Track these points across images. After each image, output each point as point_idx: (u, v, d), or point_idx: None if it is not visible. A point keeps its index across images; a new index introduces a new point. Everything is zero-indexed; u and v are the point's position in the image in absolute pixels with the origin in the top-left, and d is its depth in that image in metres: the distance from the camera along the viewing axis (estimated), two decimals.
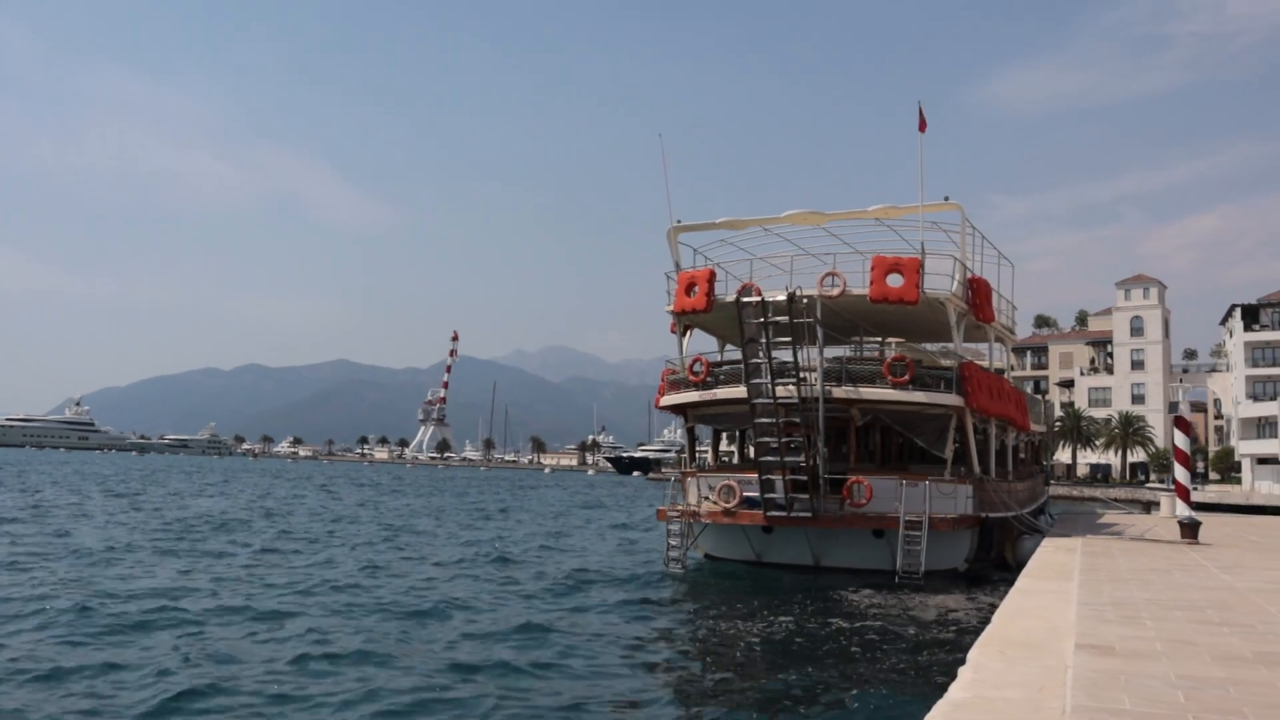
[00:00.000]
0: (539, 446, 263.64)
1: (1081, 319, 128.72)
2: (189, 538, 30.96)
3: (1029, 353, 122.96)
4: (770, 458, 23.36)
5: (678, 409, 27.49)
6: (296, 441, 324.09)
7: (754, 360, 22.84)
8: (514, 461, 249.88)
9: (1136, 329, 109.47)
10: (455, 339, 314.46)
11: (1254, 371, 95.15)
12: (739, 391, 23.97)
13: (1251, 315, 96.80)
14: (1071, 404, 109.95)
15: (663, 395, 27.72)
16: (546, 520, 46.66)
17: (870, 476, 23.99)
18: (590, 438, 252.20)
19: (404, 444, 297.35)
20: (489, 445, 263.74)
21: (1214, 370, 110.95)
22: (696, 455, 29.24)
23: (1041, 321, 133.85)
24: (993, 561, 25.59)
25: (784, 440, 23.13)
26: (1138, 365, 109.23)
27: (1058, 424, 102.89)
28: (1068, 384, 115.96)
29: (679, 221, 27.65)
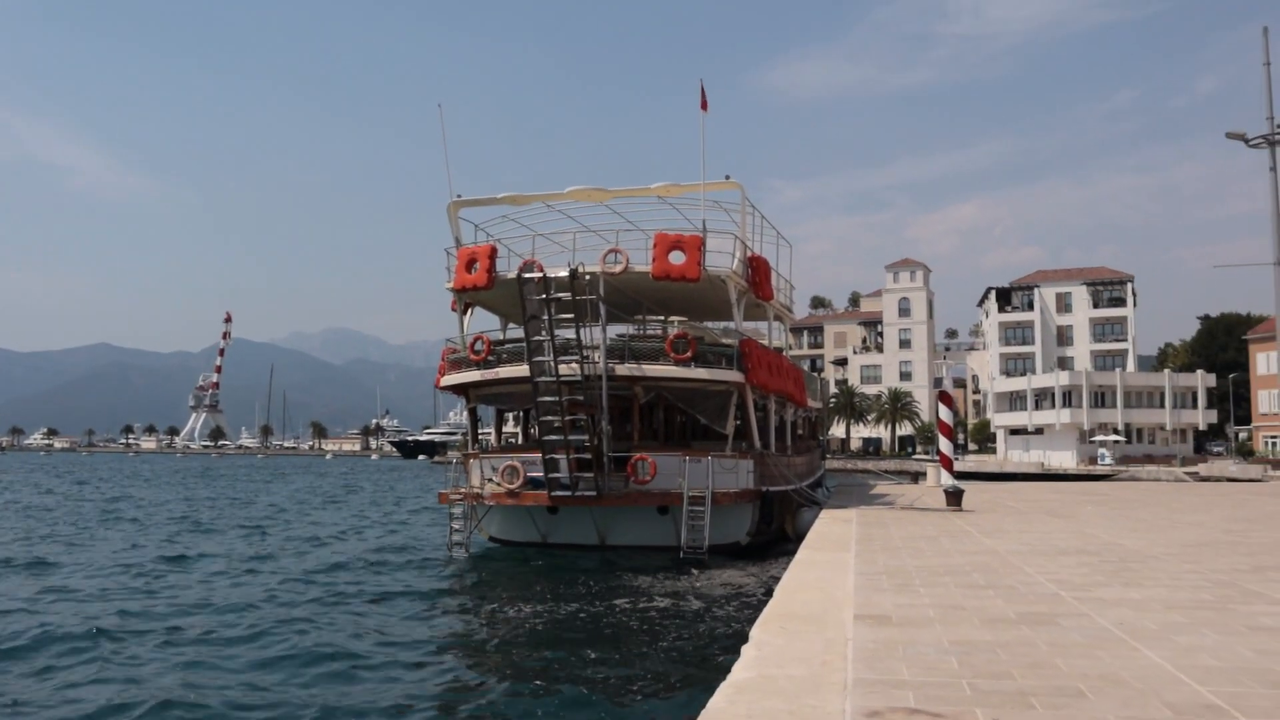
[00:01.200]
0: (320, 432, 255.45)
1: (854, 300, 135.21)
2: None
3: (806, 332, 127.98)
4: (554, 437, 22.96)
5: (459, 389, 26.71)
6: (51, 432, 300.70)
7: (536, 338, 22.35)
8: (294, 448, 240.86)
9: (904, 310, 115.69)
10: (228, 320, 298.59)
11: (1006, 350, 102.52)
12: (522, 370, 23.42)
13: (1004, 298, 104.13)
14: (845, 381, 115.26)
15: (443, 375, 26.88)
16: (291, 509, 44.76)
17: (654, 454, 23.98)
18: (374, 421, 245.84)
19: (174, 433, 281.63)
20: (267, 432, 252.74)
21: (972, 349, 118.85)
22: (479, 436, 28.53)
23: (817, 302, 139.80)
24: (773, 534, 26.13)
25: (567, 419, 22.78)
26: (905, 344, 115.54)
27: (833, 400, 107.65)
28: (841, 362, 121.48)
29: (459, 196, 26.79)
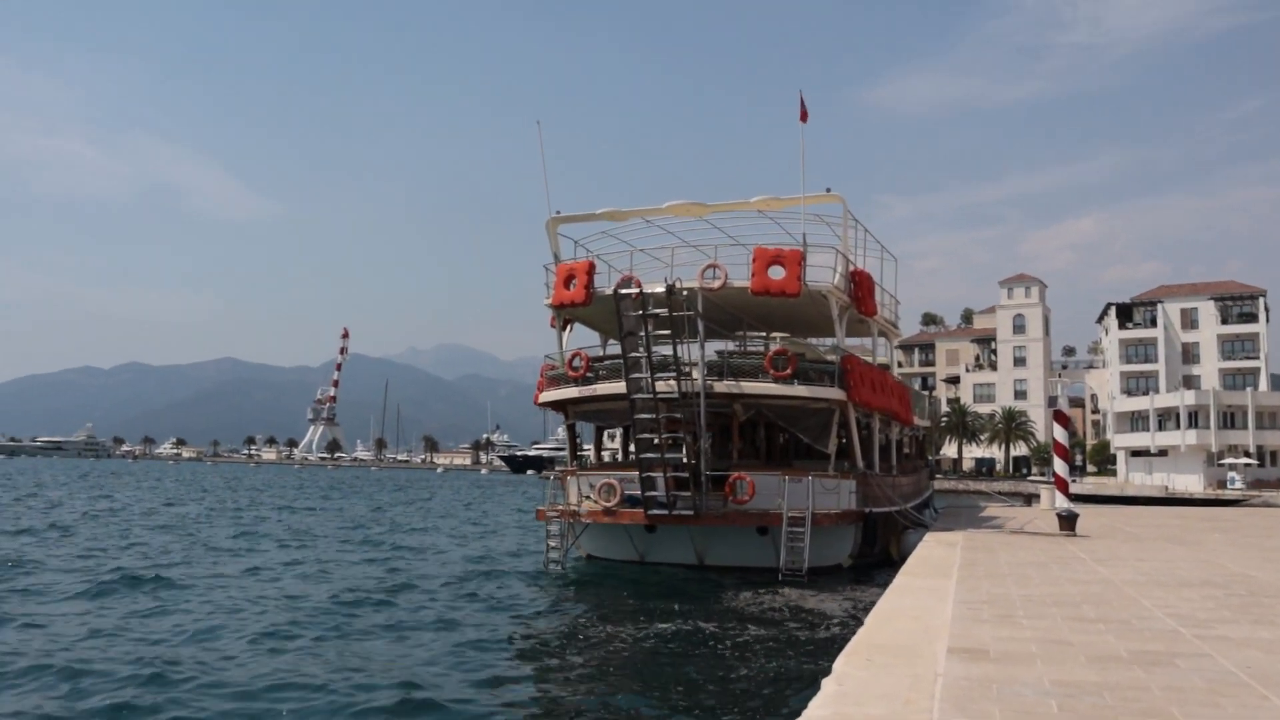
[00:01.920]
0: (431, 446, 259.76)
1: (967, 317, 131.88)
2: None
3: (916, 350, 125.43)
4: (651, 454, 22.68)
5: (557, 405, 26.64)
6: (180, 442, 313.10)
7: (633, 354, 22.13)
8: (406, 461, 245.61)
9: (1019, 326, 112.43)
10: (345, 336, 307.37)
11: (1127, 368, 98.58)
12: (619, 387, 23.22)
13: (1125, 314, 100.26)
14: (957, 399, 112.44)
15: (541, 391, 26.85)
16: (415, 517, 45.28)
17: (753, 473, 23.51)
18: (484, 436, 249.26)
19: (293, 444, 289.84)
20: (381, 445, 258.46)
21: (1091, 367, 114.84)
22: (578, 453, 28.43)
23: (929, 319, 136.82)
24: (877, 557, 25.36)
25: (665, 437, 22.48)
26: (1020, 362, 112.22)
27: (944, 419, 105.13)
28: (954, 380, 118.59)
29: (558, 212, 26.80)
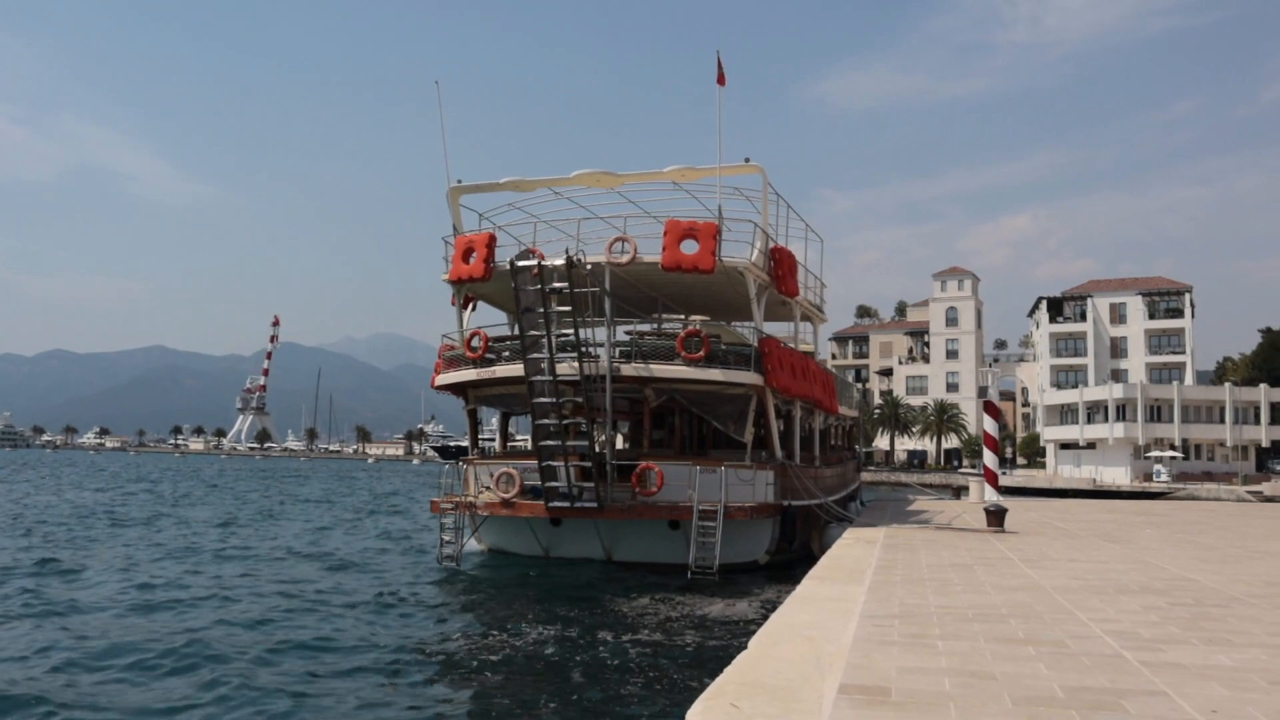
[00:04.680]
0: (364, 436, 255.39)
1: (901, 309, 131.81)
2: None
3: (850, 341, 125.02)
4: (550, 442, 20.81)
5: (456, 389, 24.69)
6: (103, 432, 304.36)
7: (531, 333, 20.24)
8: (338, 452, 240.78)
9: (951, 319, 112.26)
10: (276, 324, 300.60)
11: (1058, 361, 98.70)
12: (520, 369, 21.29)
13: (1056, 308, 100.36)
14: (890, 392, 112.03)
15: (438, 374, 24.86)
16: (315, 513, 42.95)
17: (662, 462, 21.77)
18: (419, 426, 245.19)
19: (221, 434, 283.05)
20: (312, 435, 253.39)
21: (1022, 360, 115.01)
22: (479, 441, 26.50)
23: (863, 312, 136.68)
24: (797, 553, 23.73)
25: (567, 422, 20.63)
26: (952, 354, 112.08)
27: (877, 411, 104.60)
28: (887, 372, 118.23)
29: (459, 181, 24.75)
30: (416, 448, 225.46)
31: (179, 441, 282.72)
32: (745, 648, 7.81)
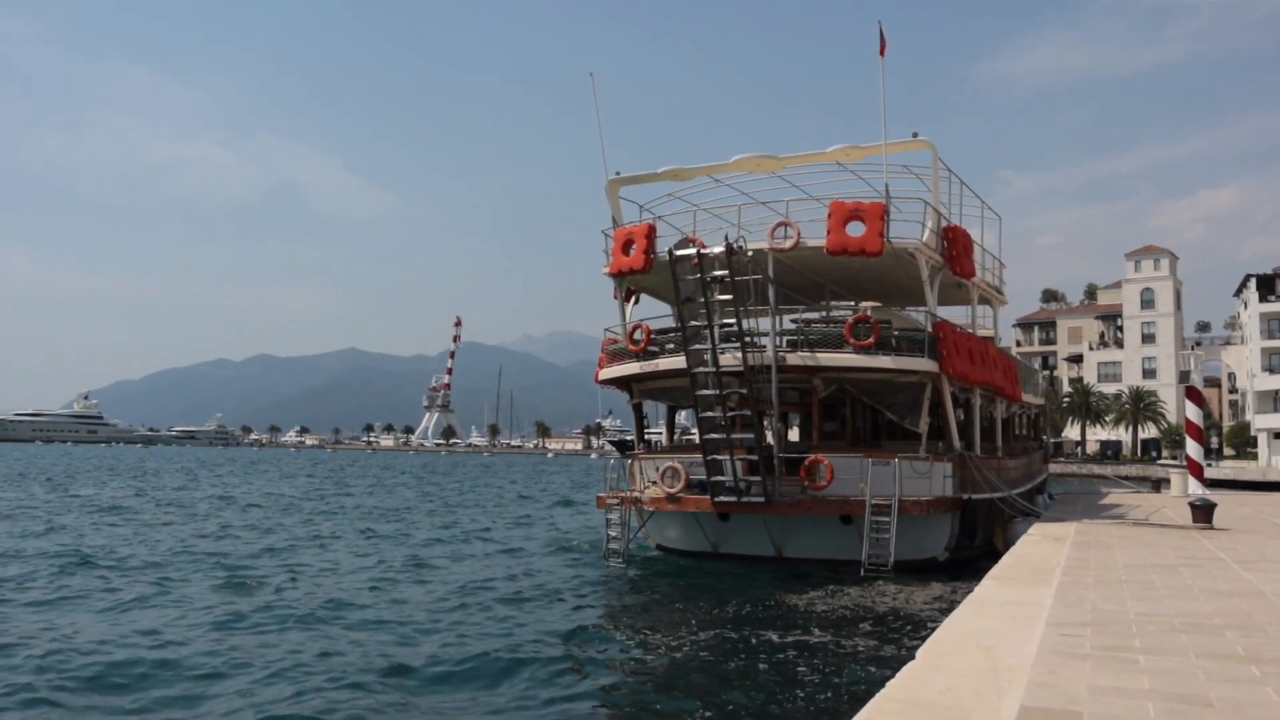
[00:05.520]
0: (544, 431, 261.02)
1: (1090, 293, 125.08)
2: None
3: (1036, 327, 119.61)
4: (715, 435, 20.23)
5: (620, 383, 24.37)
6: (303, 431, 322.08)
7: (692, 324, 19.69)
8: (519, 447, 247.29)
9: (1147, 301, 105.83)
10: (458, 324, 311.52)
11: (1270, 343, 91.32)
12: (682, 361, 20.78)
13: (1267, 286, 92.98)
14: (1080, 379, 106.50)
15: (602, 368, 24.62)
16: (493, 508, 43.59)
17: (832, 455, 20.87)
18: (596, 421, 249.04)
19: (410, 431, 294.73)
20: (494, 431, 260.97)
21: (1228, 343, 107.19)
22: (644, 434, 26.15)
23: (1049, 296, 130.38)
24: (978, 550, 22.42)
25: (731, 415, 20.00)
26: (1149, 339, 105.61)
27: (1066, 400, 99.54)
28: (1076, 359, 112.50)
29: (618, 173, 24.43)
30: (594, 442, 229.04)
31: (371, 439, 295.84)
32: (915, 656, 7.03)
